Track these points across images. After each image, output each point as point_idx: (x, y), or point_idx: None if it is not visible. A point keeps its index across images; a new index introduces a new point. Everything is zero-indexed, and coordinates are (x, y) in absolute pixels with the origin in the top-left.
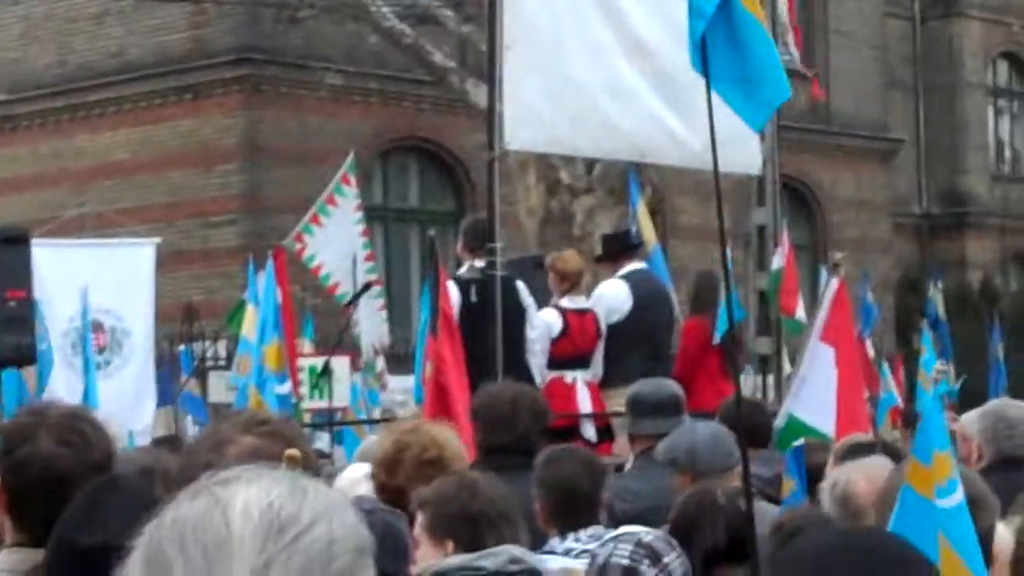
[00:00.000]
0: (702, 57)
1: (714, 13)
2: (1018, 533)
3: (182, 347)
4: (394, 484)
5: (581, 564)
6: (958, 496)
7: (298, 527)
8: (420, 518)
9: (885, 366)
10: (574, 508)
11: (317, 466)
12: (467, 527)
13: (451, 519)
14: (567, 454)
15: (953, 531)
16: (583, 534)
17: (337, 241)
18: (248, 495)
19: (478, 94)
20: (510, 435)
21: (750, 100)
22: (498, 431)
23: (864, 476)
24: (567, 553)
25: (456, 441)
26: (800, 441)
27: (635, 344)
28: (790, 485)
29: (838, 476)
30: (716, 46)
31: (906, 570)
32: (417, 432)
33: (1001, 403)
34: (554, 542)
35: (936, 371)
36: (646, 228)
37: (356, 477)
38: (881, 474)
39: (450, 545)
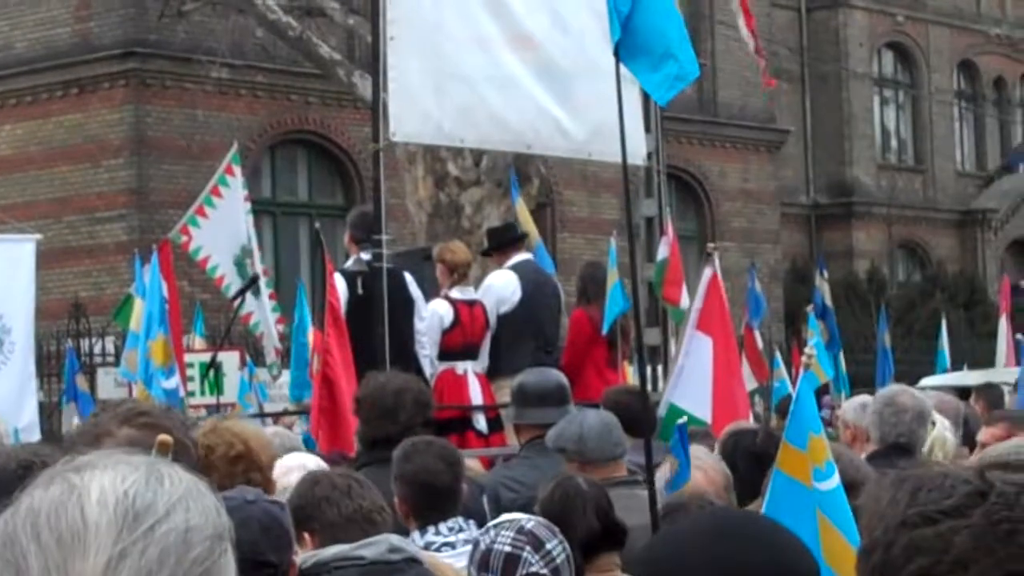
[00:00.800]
0: (621, 31)
1: None
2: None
3: (69, 343)
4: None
5: (444, 557)
6: (835, 480)
7: (154, 516)
8: None
9: (777, 355)
10: (434, 501)
11: (194, 458)
12: (320, 521)
13: (302, 513)
14: (424, 447)
15: (833, 511)
16: (443, 527)
17: (223, 233)
18: (103, 483)
19: (365, 87)
20: (394, 427)
21: (658, 75)
22: (382, 423)
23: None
24: (428, 547)
25: (257, 432)
26: (683, 419)
27: (524, 334)
28: (675, 463)
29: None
30: (630, 21)
31: (777, 550)
32: (217, 431)
33: (893, 389)
34: (415, 536)
35: (806, 355)
36: (527, 222)
37: (290, 465)
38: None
39: (306, 537)
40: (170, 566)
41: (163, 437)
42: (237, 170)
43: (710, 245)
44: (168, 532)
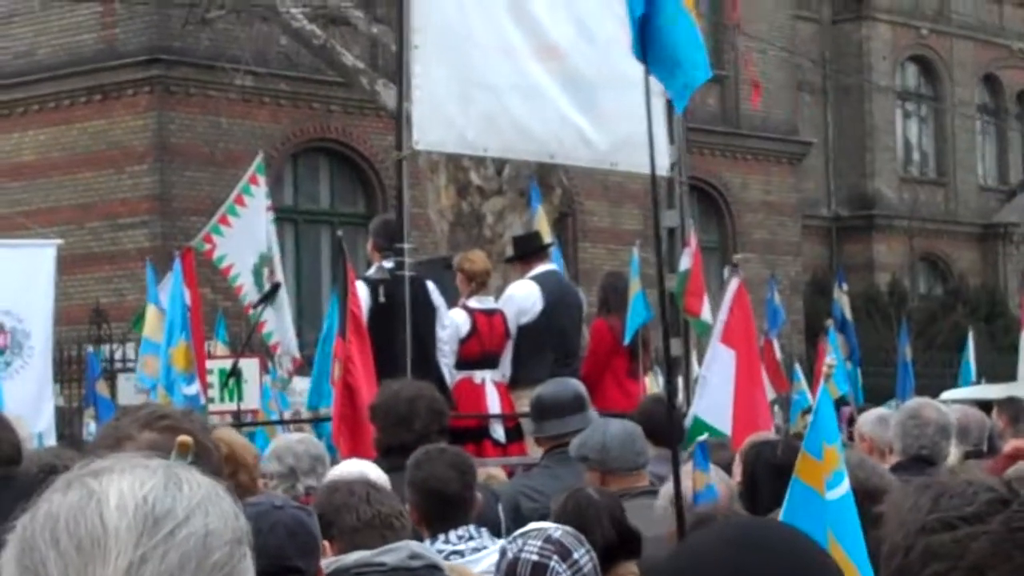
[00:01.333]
0: (640, 40)
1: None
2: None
3: (90, 349)
4: None
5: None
6: (844, 488)
7: (174, 521)
8: None
9: (797, 367)
10: (445, 509)
11: (217, 461)
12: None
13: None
14: (437, 455)
15: (837, 522)
16: (452, 535)
17: (246, 242)
18: (122, 487)
19: (388, 95)
20: (409, 434)
21: (676, 81)
22: (396, 430)
23: None
24: (438, 555)
25: (235, 435)
26: (704, 436)
27: (544, 345)
28: (703, 479)
29: None
30: (648, 29)
31: (800, 560)
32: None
33: (919, 402)
34: (426, 544)
35: (827, 366)
36: (545, 233)
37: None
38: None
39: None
40: (191, 571)
41: (183, 438)
42: (262, 180)
43: (736, 257)
44: (188, 537)
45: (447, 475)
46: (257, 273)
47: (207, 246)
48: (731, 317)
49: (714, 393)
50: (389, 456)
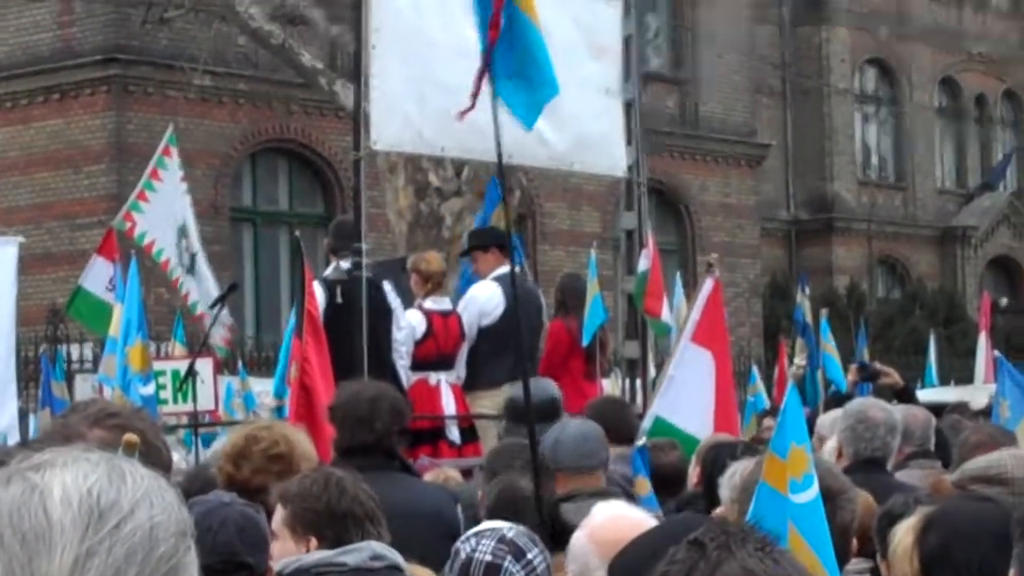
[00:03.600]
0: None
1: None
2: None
3: (43, 350)
4: (240, 477)
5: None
6: (813, 491)
7: (119, 514)
8: (281, 512)
9: (754, 370)
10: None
11: (167, 460)
12: (333, 524)
13: (318, 515)
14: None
15: (805, 524)
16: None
17: (165, 215)
18: (66, 480)
19: (347, 96)
20: (370, 435)
21: (525, 97)
22: (357, 431)
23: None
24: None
25: (308, 444)
26: (643, 440)
27: (504, 347)
28: (645, 485)
29: (736, 467)
30: (499, 47)
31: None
32: (271, 429)
33: (862, 403)
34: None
35: (796, 367)
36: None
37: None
38: None
39: (313, 541)
40: (137, 563)
41: (129, 436)
42: (174, 151)
43: (712, 256)
44: (134, 530)
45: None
46: (179, 246)
47: (127, 224)
48: (704, 317)
49: (683, 393)
50: (348, 457)
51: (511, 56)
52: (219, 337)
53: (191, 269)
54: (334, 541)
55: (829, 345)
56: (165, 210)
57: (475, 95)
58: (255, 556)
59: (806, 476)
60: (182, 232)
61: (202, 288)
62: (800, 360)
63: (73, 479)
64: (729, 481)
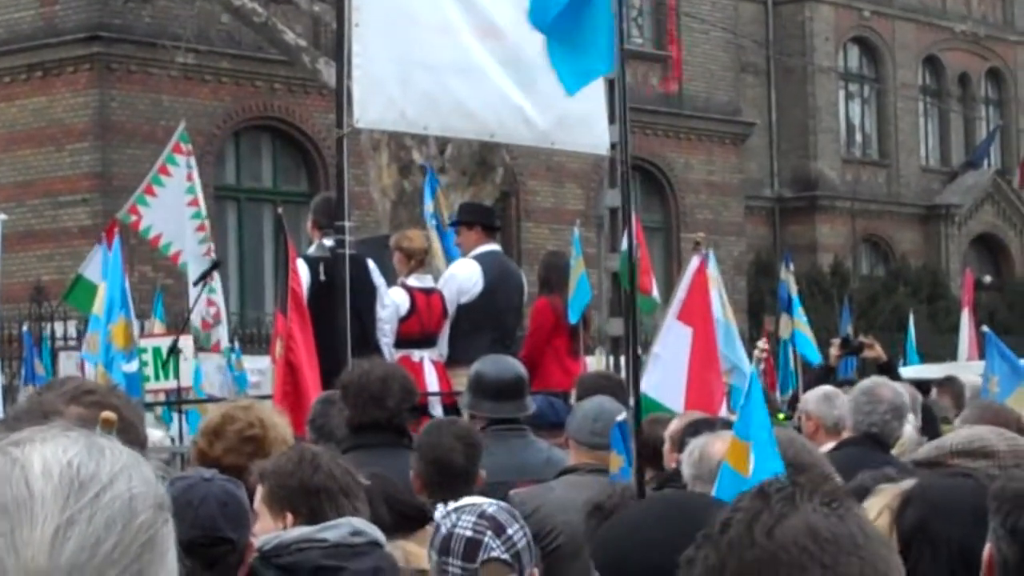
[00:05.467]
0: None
1: None
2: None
3: (25, 327)
4: (213, 454)
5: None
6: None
7: (98, 485)
8: (260, 490)
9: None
10: (446, 479)
11: (143, 438)
12: (307, 500)
13: (291, 491)
14: (446, 426)
15: None
16: (452, 505)
17: (173, 210)
18: (45, 454)
19: (330, 74)
20: (381, 412)
21: (572, 64)
22: (369, 408)
23: (719, 440)
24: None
25: (286, 428)
26: (622, 416)
27: (483, 325)
28: (618, 461)
29: (695, 443)
30: (555, 7)
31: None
32: (248, 409)
33: (876, 381)
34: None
35: (759, 350)
36: (445, 213)
37: None
38: None
39: (289, 517)
40: (117, 532)
41: (106, 414)
42: (185, 148)
43: (699, 235)
44: (113, 499)
45: (453, 446)
46: (194, 240)
47: (133, 217)
48: (690, 295)
49: (666, 370)
50: (360, 434)
51: (571, 21)
52: (199, 319)
53: (211, 273)
54: (309, 517)
55: (800, 322)
56: (173, 206)
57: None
58: (237, 531)
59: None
60: (188, 233)
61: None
62: (763, 343)
63: (53, 452)
64: (689, 458)
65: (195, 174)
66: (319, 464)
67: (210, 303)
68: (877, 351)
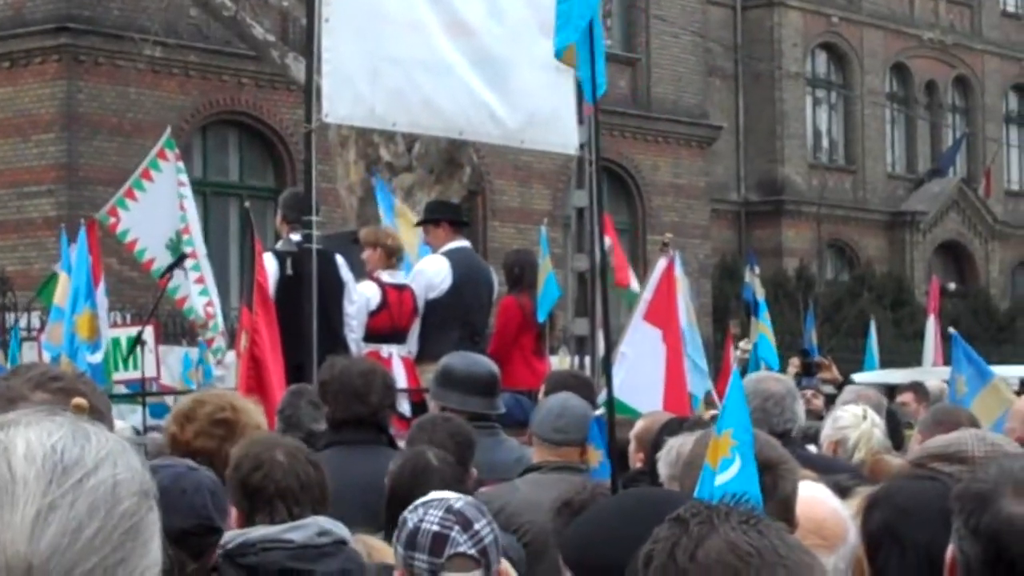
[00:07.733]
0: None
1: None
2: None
3: None
4: (183, 438)
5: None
6: (732, 471)
7: (82, 470)
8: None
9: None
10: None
11: (110, 427)
12: (245, 499)
13: (233, 488)
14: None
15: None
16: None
17: (153, 216)
18: (29, 437)
19: (298, 69)
20: (364, 408)
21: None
22: (352, 404)
23: (694, 439)
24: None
25: (258, 413)
26: (600, 411)
27: (451, 322)
28: (597, 456)
29: (672, 442)
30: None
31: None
32: (220, 396)
33: (757, 378)
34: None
35: (741, 350)
36: (405, 232)
37: None
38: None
39: (234, 512)
40: (99, 518)
41: (78, 400)
42: (171, 154)
43: (666, 236)
44: (97, 485)
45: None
46: (174, 249)
47: (111, 219)
48: (657, 295)
49: (633, 371)
50: (340, 430)
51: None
52: (202, 310)
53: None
54: (248, 515)
55: (763, 325)
56: (156, 212)
57: None
58: (223, 521)
59: (723, 459)
60: (180, 237)
61: (191, 296)
62: (745, 344)
63: (37, 436)
64: (667, 457)
65: (185, 178)
66: (260, 464)
67: (209, 304)
68: (833, 373)
